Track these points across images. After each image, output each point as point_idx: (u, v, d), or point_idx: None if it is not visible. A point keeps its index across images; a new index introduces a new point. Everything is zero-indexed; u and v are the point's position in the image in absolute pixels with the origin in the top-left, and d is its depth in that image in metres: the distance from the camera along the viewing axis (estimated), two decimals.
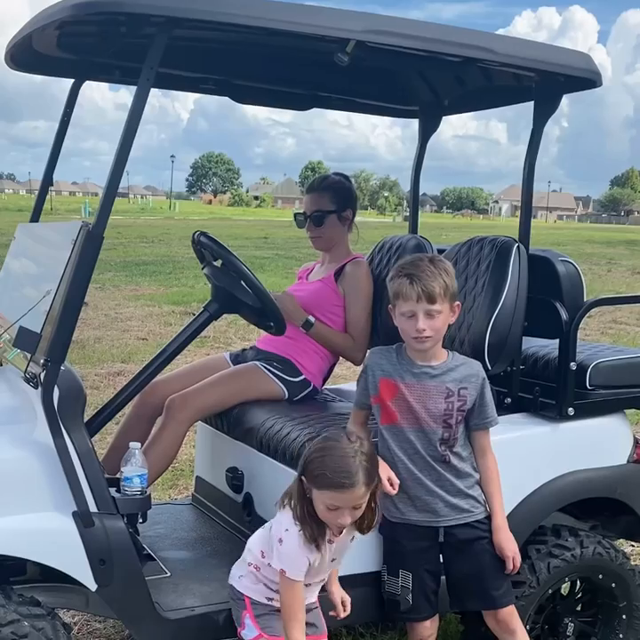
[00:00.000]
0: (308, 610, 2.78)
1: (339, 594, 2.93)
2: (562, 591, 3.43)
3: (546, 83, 3.28)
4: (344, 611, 2.91)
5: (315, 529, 2.62)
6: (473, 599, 3.06)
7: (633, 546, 4.73)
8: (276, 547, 2.65)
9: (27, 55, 3.26)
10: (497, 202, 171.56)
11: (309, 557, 2.64)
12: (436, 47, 2.93)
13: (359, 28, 2.75)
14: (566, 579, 3.35)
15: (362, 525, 2.70)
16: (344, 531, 2.70)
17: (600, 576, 3.37)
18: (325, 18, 2.74)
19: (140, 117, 2.66)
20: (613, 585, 3.39)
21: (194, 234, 3.53)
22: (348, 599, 2.93)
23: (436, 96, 4.16)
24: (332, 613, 2.91)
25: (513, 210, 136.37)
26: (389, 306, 3.00)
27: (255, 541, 2.82)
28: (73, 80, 3.62)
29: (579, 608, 3.49)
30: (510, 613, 3.04)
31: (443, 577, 3.06)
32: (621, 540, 4.00)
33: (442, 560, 3.04)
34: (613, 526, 3.72)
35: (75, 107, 3.67)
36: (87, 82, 3.70)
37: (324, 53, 2.85)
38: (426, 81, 4.04)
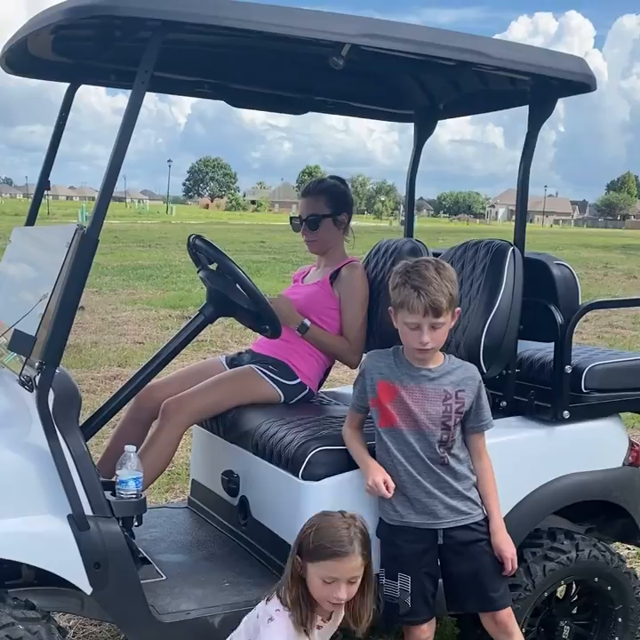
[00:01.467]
0: None
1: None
2: (557, 594, 3.44)
3: (540, 87, 3.29)
4: None
5: (306, 612, 2.60)
6: (471, 601, 3.06)
7: (628, 549, 4.74)
8: (262, 628, 2.59)
9: (22, 59, 3.26)
10: (493, 206, 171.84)
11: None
12: (431, 51, 2.94)
13: (354, 31, 2.77)
14: (562, 582, 3.36)
15: (354, 614, 2.67)
16: (333, 617, 2.69)
17: (596, 579, 3.37)
18: (320, 22, 2.75)
19: (135, 121, 2.66)
20: (609, 588, 3.39)
21: (189, 237, 3.53)
22: None
23: (431, 100, 4.17)
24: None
25: (509, 214, 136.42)
26: (390, 308, 3.00)
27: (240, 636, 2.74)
28: (68, 84, 3.63)
29: (574, 611, 3.50)
30: (508, 615, 3.04)
31: (440, 580, 3.06)
32: (617, 542, 4.00)
33: (439, 562, 3.04)
34: (609, 529, 3.72)
35: (70, 111, 3.67)
36: (84, 86, 3.71)
37: (320, 57, 2.86)
38: (421, 85, 4.05)
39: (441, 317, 2.87)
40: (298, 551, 2.62)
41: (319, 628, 2.68)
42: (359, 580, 2.62)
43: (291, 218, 4.13)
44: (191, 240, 3.52)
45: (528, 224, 3.49)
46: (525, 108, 3.43)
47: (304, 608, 2.60)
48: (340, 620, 2.74)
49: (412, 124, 4.36)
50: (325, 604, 2.61)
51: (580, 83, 3.23)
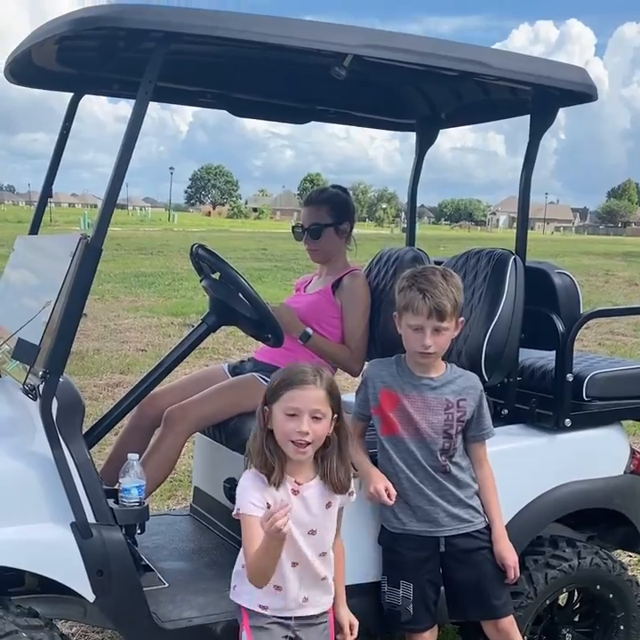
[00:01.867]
0: (310, 624, 2.71)
1: (346, 616, 2.86)
2: (559, 602, 3.45)
3: (542, 97, 3.31)
4: (351, 635, 2.85)
5: (270, 458, 2.59)
6: (474, 609, 3.07)
7: (630, 556, 4.74)
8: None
9: (26, 70, 3.28)
10: (494, 213, 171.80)
11: (264, 494, 2.59)
12: (433, 61, 2.96)
13: (356, 42, 2.78)
14: (564, 589, 3.37)
15: (332, 478, 2.65)
16: (314, 487, 2.65)
17: (597, 586, 3.38)
18: (323, 33, 2.77)
19: (138, 131, 2.68)
20: (611, 595, 3.40)
21: (192, 247, 3.55)
22: (355, 623, 2.87)
23: (433, 109, 4.19)
24: (338, 637, 2.85)
25: (510, 221, 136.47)
26: (394, 313, 3.02)
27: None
28: (72, 94, 3.65)
29: (576, 619, 3.51)
30: (510, 623, 3.06)
31: (442, 587, 3.07)
32: (619, 550, 4.00)
33: (441, 570, 3.05)
34: (611, 537, 3.73)
35: (74, 120, 3.69)
36: (87, 95, 3.73)
37: (322, 67, 2.87)
38: (423, 95, 4.07)
39: (445, 322, 2.89)
40: (264, 401, 2.63)
41: (295, 492, 2.64)
42: (325, 423, 2.59)
43: (293, 227, 4.14)
44: (194, 249, 3.53)
45: (529, 231, 3.51)
46: (527, 117, 3.45)
47: (270, 458, 2.59)
48: (329, 499, 2.69)
49: (414, 133, 4.38)
50: (289, 446, 2.57)
51: (581, 93, 3.25)
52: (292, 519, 2.52)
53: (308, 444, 2.57)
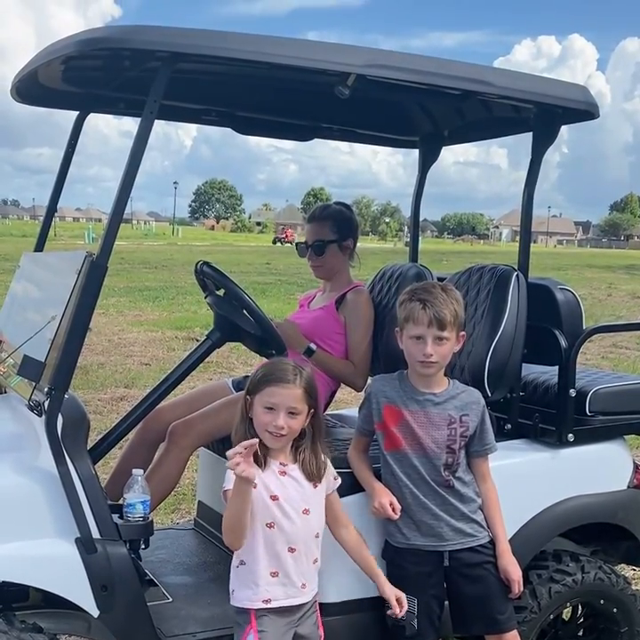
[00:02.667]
0: (298, 614, 2.74)
1: (391, 592, 2.92)
2: (563, 616, 3.45)
3: (544, 114, 3.34)
4: (401, 606, 2.90)
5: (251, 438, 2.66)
6: (478, 623, 3.07)
7: (634, 570, 4.74)
8: None
9: (32, 89, 3.31)
10: (497, 227, 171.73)
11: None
12: (436, 81, 2.99)
13: (360, 62, 2.81)
14: (568, 604, 3.37)
15: (305, 467, 2.74)
16: (297, 469, 2.73)
17: (601, 601, 3.39)
18: (327, 52, 2.80)
19: (144, 149, 2.70)
20: (615, 610, 3.40)
21: (196, 264, 3.57)
22: (401, 595, 2.92)
23: (435, 127, 4.22)
24: (389, 612, 2.90)
25: (513, 235, 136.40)
26: (396, 329, 3.05)
27: None
28: (78, 112, 3.68)
29: (580, 633, 3.51)
30: (514, 637, 3.06)
31: (446, 601, 3.07)
32: (622, 564, 4.01)
33: (446, 584, 3.05)
34: (614, 551, 3.73)
35: (79, 137, 3.72)
36: (92, 113, 3.75)
37: (326, 86, 2.90)
38: (426, 112, 4.09)
39: (445, 331, 2.91)
40: (247, 391, 2.74)
41: (283, 473, 2.72)
42: (300, 419, 2.70)
43: (296, 243, 4.17)
44: (199, 266, 3.55)
45: (531, 245, 3.52)
46: (529, 132, 3.48)
47: (258, 445, 2.64)
48: (313, 481, 2.76)
49: (417, 150, 4.41)
50: (265, 435, 2.67)
51: (582, 111, 3.27)
52: (286, 499, 2.69)
53: (283, 436, 2.69)
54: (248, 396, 2.74)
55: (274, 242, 68.91)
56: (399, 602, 2.90)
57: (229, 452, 2.53)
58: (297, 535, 2.72)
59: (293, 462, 2.77)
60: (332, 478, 2.86)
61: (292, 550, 2.71)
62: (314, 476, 2.77)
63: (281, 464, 2.74)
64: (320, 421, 2.82)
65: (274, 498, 2.68)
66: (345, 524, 2.91)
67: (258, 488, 2.64)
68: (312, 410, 2.75)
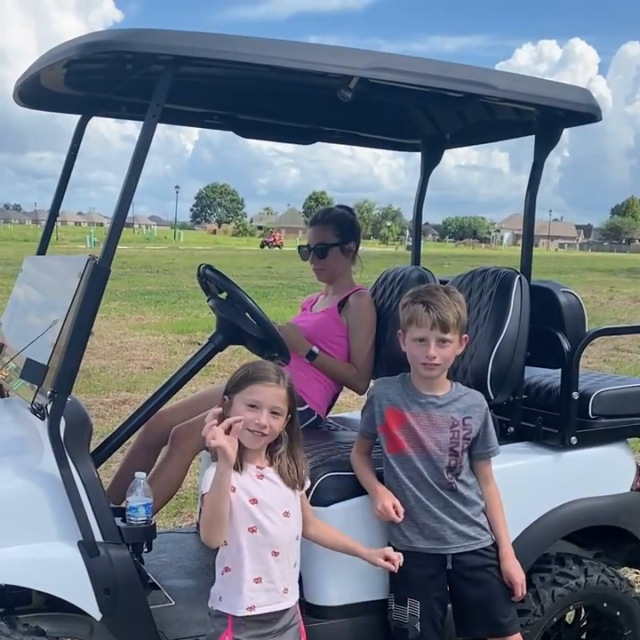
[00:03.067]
0: (279, 624, 2.66)
1: (377, 553, 2.89)
2: (566, 619, 3.44)
3: (546, 117, 3.34)
4: (392, 562, 2.87)
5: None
6: (481, 626, 3.06)
7: (637, 573, 4.73)
8: None
9: (34, 92, 3.31)
10: (499, 231, 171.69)
11: None
12: (438, 83, 2.98)
13: (362, 65, 2.81)
14: (571, 607, 3.36)
15: (283, 474, 2.70)
16: (274, 472, 2.69)
17: (604, 604, 3.38)
18: (329, 55, 2.80)
19: (146, 153, 2.70)
20: (618, 613, 3.40)
21: (199, 267, 3.57)
22: (389, 550, 2.90)
23: (438, 130, 4.22)
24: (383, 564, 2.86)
25: (514, 238, 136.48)
26: (399, 331, 3.05)
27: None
28: (80, 116, 3.69)
29: (583, 636, 3.50)
30: None
31: (449, 605, 3.07)
32: (625, 567, 4.00)
33: (448, 588, 3.05)
34: (617, 554, 3.73)
35: (82, 141, 3.72)
36: (95, 116, 3.76)
37: (328, 89, 2.90)
38: (428, 116, 4.10)
39: (448, 334, 2.92)
40: (225, 391, 2.70)
41: (260, 477, 2.68)
42: (281, 420, 2.67)
43: (299, 246, 4.17)
44: (201, 270, 3.55)
45: (533, 248, 3.52)
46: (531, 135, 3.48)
47: None
48: (286, 483, 2.72)
49: (419, 153, 4.42)
50: (245, 433, 2.62)
51: (585, 113, 3.27)
52: (266, 502, 2.64)
53: (264, 435, 2.65)
54: (226, 397, 2.70)
55: (262, 245, 68.28)
56: (389, 559, 2.87)
57: (205, 429, 2.51)
58: (279, 538, 2.67)
59: (269, 465, 2.73)
60: (303, 480, 2.80)
61: (275, 554, 2.66)
62: (294, 483, 2.73)
63: (258, 467, 2.70)
64: (297, 427, 2.79)
65: (253, 501, 2.63)
66: (312, 521, 2.87)
67: (237, 492, 2.61)
68: (290, 415, 2.72)
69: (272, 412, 2.64)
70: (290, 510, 2.71)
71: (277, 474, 2.72)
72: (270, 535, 2.64)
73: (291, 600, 2.72)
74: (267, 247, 66.35)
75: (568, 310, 3.56)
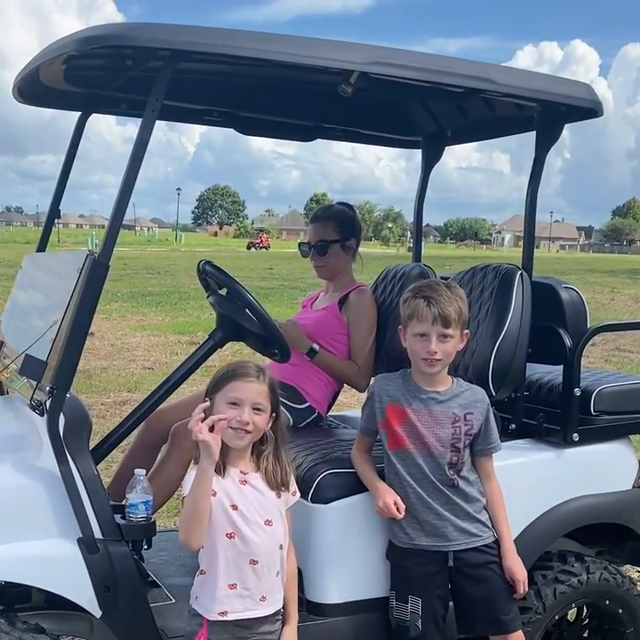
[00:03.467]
0: (256, 631, 2.63)
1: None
2: (568, 617, 3.43)
3: (548, 113, 3.32)
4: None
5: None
6: (482, 623, 3.05)
7: (639, 571, 4.71)
8: None
9: (34, 88, 3.30)
10: (500, 232, 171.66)
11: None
12: (439, 78, 2.97)
13: (363, 59, 2.80)
14: (573, 604, 3.35)
15: (268, 476, 2.66)
16: (259, 478, 2.65)
17: (606, 602, 3.37)
18: (329, 50, 2.79)
19: (145, 148, 2.69)
20: (620, 611, 3.38)
21: (199, 263, 3.56)
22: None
23: (438, 126, 4.21)
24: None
25: (516, 240, 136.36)
26: (399, 327, 3.04)
27: None
28: (80, 113, 3.68)
29: (585, 634, 3.49)
30: (519, 638, 3.04)
31: (450, 602, 3.05)
32: (627, 565, 3.99)
33: (450, 585, 3.03)
34: (619, 552, 3.71)
35: (81, 139, 3.71)
36: (94, 116, 3.75)
37: (328, 85, 2.90)
38: (429, 112, 4.09)
39: (449, 329, 2.90)
40: (206, 393, 2.68)
41: (243, 482, 2.64)
42: (264, 417, 2.63)
43: (299, 243, 4.16)
44: (201, 265, 3.54)
45: (534, 250, 3.51)
46: (531, 135, 3.47)
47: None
48: (263, 481, 2.68)
49: (420, 150, 4.40)
50: (228, 432, 2.59)
51: (587, 108, 3.26)
52: (247, 508, 2.60)
53: (248, 432, 2.62)
54: (208, 398, 2.66)
55: (248, 247, 67.11)
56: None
57: (191, 423, 2.51)
58: (259, 548, 2.62)
59: (255, 470, 2.68)
60: (291, 493, 2.75)
61: (253, 562, 2.61)
62: (278, 485, 2.69)
63: (241, 472, 2.66)
64: (282, 427, 2.76)
65: (234, 507, 2.59)
66: (289, 551, 2.77)
67: (218, 496, 2.58)
68: (274, 414, 2.69)
69: (254, 408, 2.61)
70: (272, 519, 2.65)
71: (263, 479, 2.68)
72: (249, 544, 2.60)
73: (268, 608, 2.66)
74: (253, 249, 65.42)
75: (570, 306, 3.54)
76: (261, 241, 69.51)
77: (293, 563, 2.82)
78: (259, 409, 2.62)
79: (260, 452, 2.70)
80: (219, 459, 2.58)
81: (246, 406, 2.60)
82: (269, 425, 2.68)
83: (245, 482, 2.65)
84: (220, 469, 2.62)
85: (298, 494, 2.80)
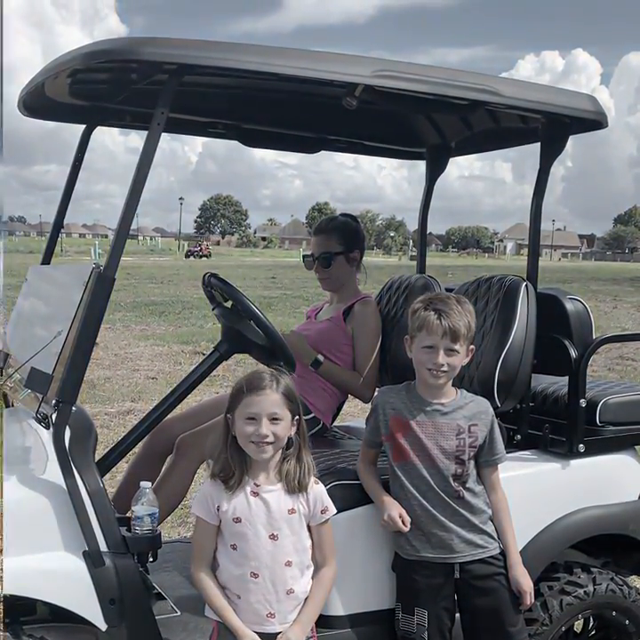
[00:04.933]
0: None
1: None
2: (575, 628, 3.41)
3: (552, 124, 3.33)
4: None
5: (231, 462, 2.63)
6: (489, 635, 3.04)
7: None
8: None
9: (39, 102, 3.31)
10: (502, 240, 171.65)
11: (216, 497, 2.63)
12: (443, 91, 2.98)
13: (367, 72, 2.81)
14: (579, 616, 3.33)
15: (289, 479, 2.65)
16: (276, 491, 2.64)
17: (613, 613, 3.35)
18: (335, 63, 2.79)
19: (151, 162, 2.69)
20: (627, 622, 3.37)
21: (204, 275, 3.56)
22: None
23: (443, 138, 4.22)
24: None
25: (518, 248, 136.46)
26: (406, 337, 3.03)
27: None
28: (84, 126, 3.69)
29: None
30: None
31: (457, 614, 3.04)
32: (634, 576, 3.98)
33: (456, 597, 3.03)
34: (626, 563, 3.69)
35: (86, 152, 3.72)
36: (99, 126, 3.76)
37: (333, 97, 2.90)
38: (433, 123, 4.10)
39: (457, 344, 2.91)
40: (227, 410, 2.68)
41: (255, 494, 2.63)
42: (284, 425, 2.62)
43: (303, 256, 4.16)
44: (206, 278, 3.55)
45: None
46: (534, 144, 3.47)
47: (231, 462, 2.64)
48: (281, 494, 2.66)
49: (424, 161, 4.41)
50: (250, 446, 2.60)
51: (591, 120, 3.27)
52: (250, 521, 2.60)
53: (269, 444, 2.61)
54: (228, 415, 2.67)
55: (186, 255, 64.40)
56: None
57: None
58: (260, 560, 2.60)
59: (276, 482, 2.67)
60: (319, 510, 2.70)
61: (254, 575, 2.60)
62: (298, 488, 2.67)
63: (255, 484, 2.65)
64: (303, 430, 2.74)
65: (236, 520, 2.61)
66: (324, 563, 2.74)
67: (227, 509, 2.61)
68: (296, 417, 2.68)
69: (272, 419, 2.61)
70: (279, 533, 2.63)
71: (283, 489, 2.66)
72: (249, 556, 2.60)
73: (278, 626, 2.63)
74: (192, 257, 62.29)
75: (575, 317, 3.54)
76: (201, 249, 66.82)
77: (325, 578, 2.76)
78: (276, 419, 2.61)
79: (285, 457, 2.70)
80: (237, 473, 2.61)
81: (263, 419, 2.59)
82: (293, 431, 2.68)
83: (257, 494, 2.65)
84: (235, 483, 2.63)
85: (330, 511, 2.75)
